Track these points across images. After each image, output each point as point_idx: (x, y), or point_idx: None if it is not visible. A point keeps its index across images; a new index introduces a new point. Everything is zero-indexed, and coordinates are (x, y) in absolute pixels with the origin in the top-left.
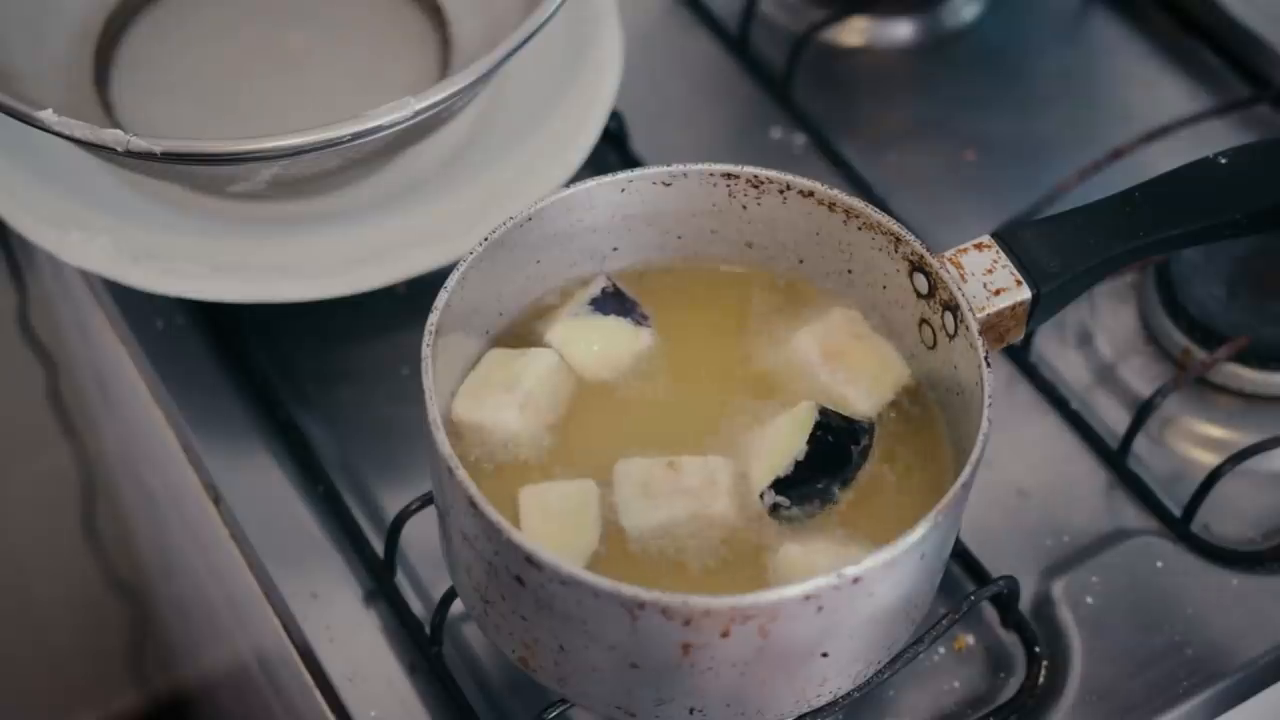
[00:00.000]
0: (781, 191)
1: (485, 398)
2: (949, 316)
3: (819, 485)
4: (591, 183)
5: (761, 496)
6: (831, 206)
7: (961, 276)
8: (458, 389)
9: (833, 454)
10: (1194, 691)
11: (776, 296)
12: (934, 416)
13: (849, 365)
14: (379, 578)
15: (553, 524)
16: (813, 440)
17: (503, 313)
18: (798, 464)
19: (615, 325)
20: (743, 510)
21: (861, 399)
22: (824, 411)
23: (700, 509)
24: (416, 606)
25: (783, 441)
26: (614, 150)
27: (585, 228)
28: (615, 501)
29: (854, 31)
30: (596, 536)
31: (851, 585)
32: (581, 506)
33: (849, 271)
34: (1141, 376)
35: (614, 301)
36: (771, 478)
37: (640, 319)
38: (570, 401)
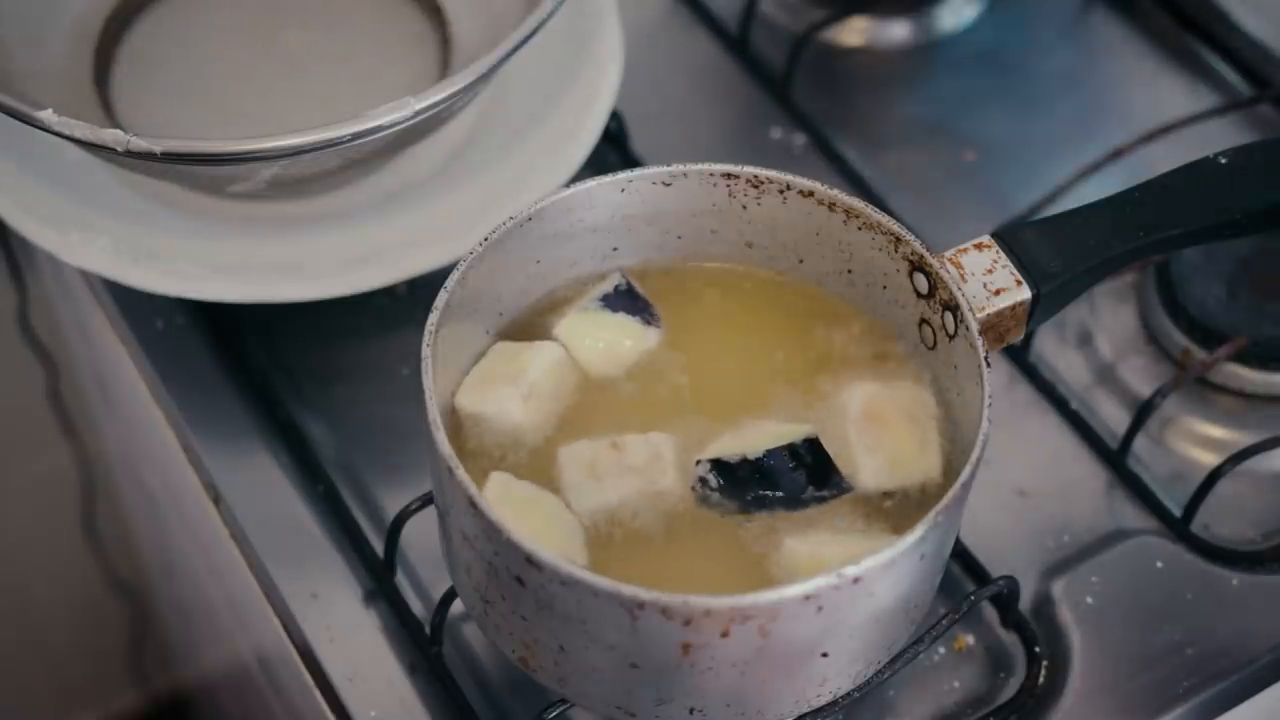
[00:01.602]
0: (781, 191)
1: (489, 389)
2: (949, 316)
3: (749, 492)
4: (591, 183)
5: (698, 463)
6: (831, 206)
7: (961, 276)
8: (462, 380)
9: (782, 476)
10: (1194, 691)
11: (863, 348)
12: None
13: (881, 436)
14: (379, 578)
15: (529, 518)
16: (774, 452)
17: (503, 312)
18: (744, 459)
19: (623, 323)
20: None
21: (869, 471)
22: (813, 443)
23: (647, 486)
24: (416, 606)
25: (752, 436)
26: (614, 150)
27: (585, 228)
28: (563, 487)
29: (854, 31)
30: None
31: (851, 585)
32: (534, 491)
33: (849, 271)
34: (1141, 376)
35: (625, 299)
36: (716, 455)
37: (650, 319)
38: (574, 396)
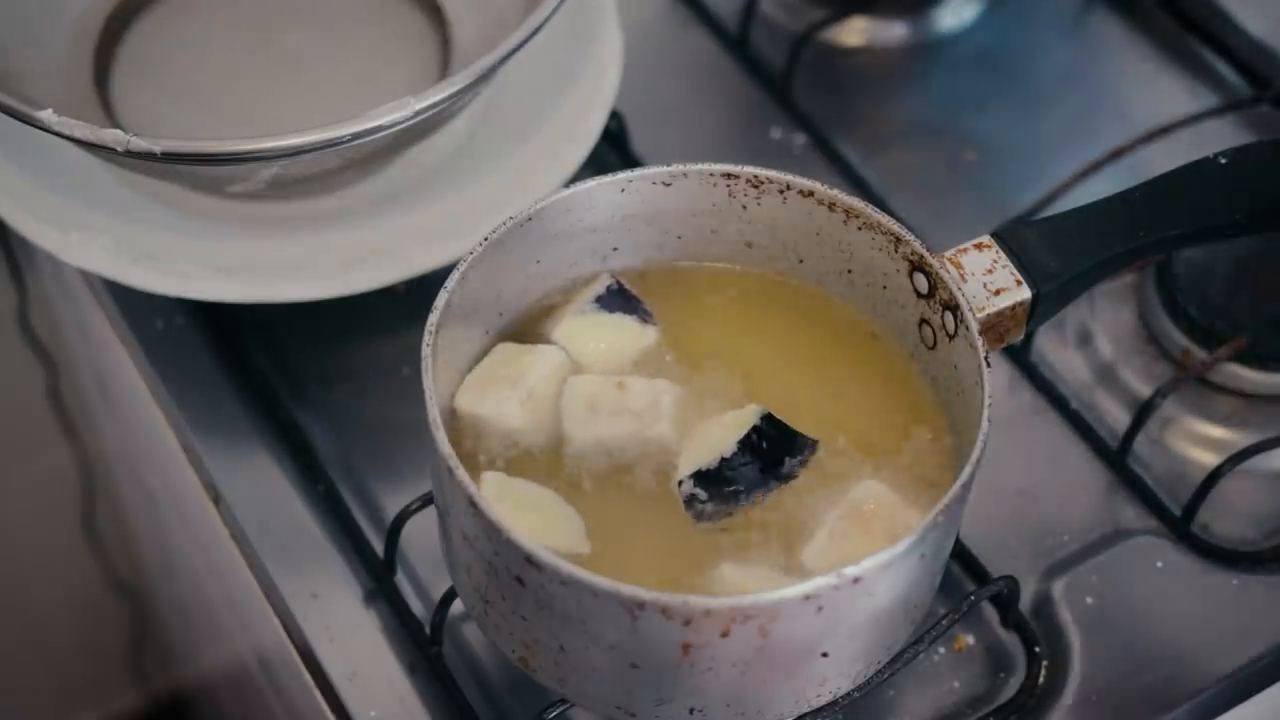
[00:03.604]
0: (781, 191)
1: (489, 392)
2: (949, 316)
3: (738, 487)
4: (591, 183)
5: (680, 485)
6: (831, 206)
7: (961, 276)
8: (463, 381)
9: (763, 459)
10: (1194, 691)
11: (920, 456)
12: None
13: (852, 533)
14: (379, 578)
15: (529, 514)
16: (744, 441)
17: (503, 312)
18: (723, 460)
19: (621, 322)
20: (683, 438)
21: (817, 551)
22: (768, 418)
23: (640, 430)
24: (416, 606)
25: (718, 437)
26: (614, 150)
27: (585, 228)
28: (562, 413)
29: (854, 31)
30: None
31: (851, 585)
32: (531, 488)
33: (849, 271)
34: (1141, 376)
35: (619, 299)
36: (694, 468)
37: (646, 316)
38: None
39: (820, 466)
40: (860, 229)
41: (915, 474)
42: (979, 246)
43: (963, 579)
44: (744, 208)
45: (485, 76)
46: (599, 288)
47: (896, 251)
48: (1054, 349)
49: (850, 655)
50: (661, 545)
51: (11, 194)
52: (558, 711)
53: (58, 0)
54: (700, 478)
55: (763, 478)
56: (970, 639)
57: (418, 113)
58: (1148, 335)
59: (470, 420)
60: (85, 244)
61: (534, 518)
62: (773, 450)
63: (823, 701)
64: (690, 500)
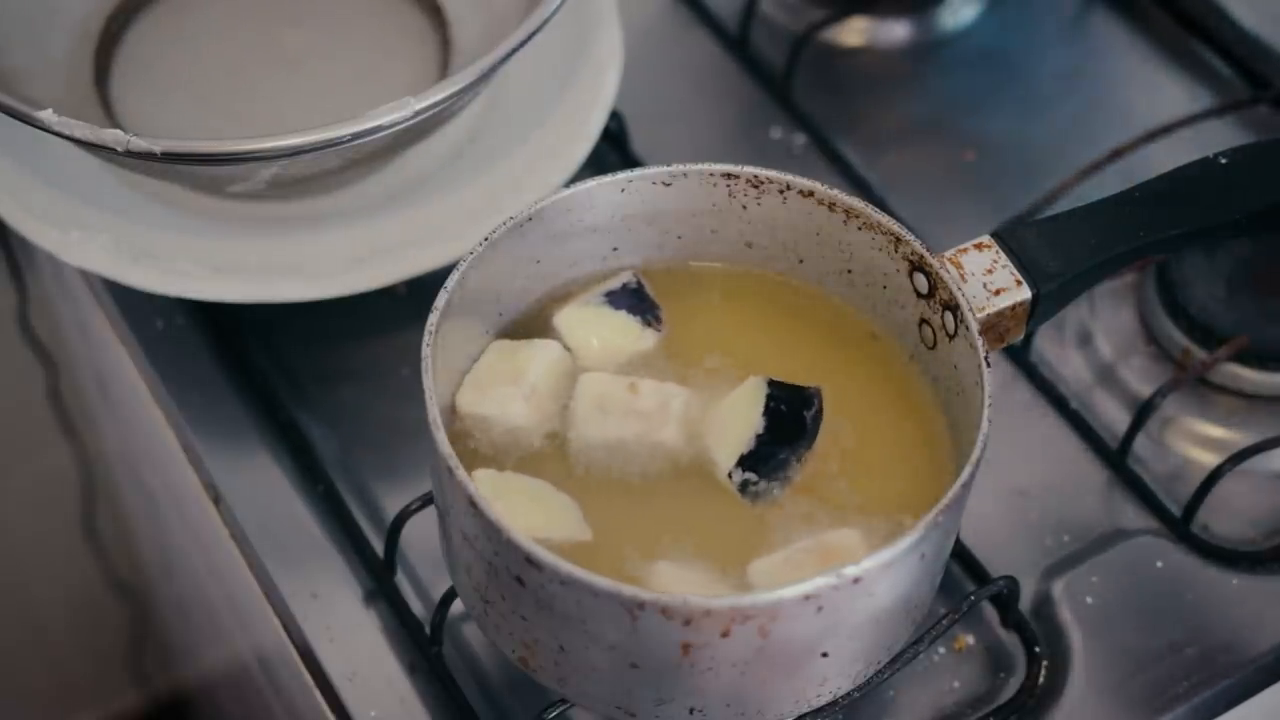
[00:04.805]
0: (781, 191)
1: (489, 389)
2: (949, 316)
3: (781, 456)
4: (591, 183)
5: (730, 476)
6: (831, 206)
7: (961, 276)
8: (462, 380)
9: (789, 422)
10: (1194, 691)
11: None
12: None
13: (810, 564)
14: (379, 578)
15: (528, 508)
16: (768, 412)
17: (503, 312)
18: (758, 437)
19: (623, 321)
20: (689, 441)
21: (768, 571)
22: (772, 383)
23: (647, 433)
24: (416, 606)
25: (740, 419)
26: (614, 150)
27: (585, 228)
28: (572, 412)
29: (854, 31)
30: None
31: (851, 585)
32: (525, 482)
33: (849, 271)
34: (1141, 376)
35: (632, 298)
36: (736, 456)
37: (651, 320)
38: (572, 393)
39: (817, 466)
40: (860, 229)
41: (885, 526)
42: (979, 246)
43: (963, 579)
44: (744, 208)
45: (485, 76)
46: (615, 282)
47: (896, 251)
48: (1054, 349)
49: (850, 655)
50: (658, 540)
51: (11, 193)
52: (558, 711)
53: (58, 0)
54: (746, 462)
55: (793, 439)
56: (970, 639)
57: (418, 113)
58: (1148, 335)
59: (471, 419)
60: (85, 244)
61: (533, 509)
62: (791, 411)
63: (823, 701)
64: (745, 486)
